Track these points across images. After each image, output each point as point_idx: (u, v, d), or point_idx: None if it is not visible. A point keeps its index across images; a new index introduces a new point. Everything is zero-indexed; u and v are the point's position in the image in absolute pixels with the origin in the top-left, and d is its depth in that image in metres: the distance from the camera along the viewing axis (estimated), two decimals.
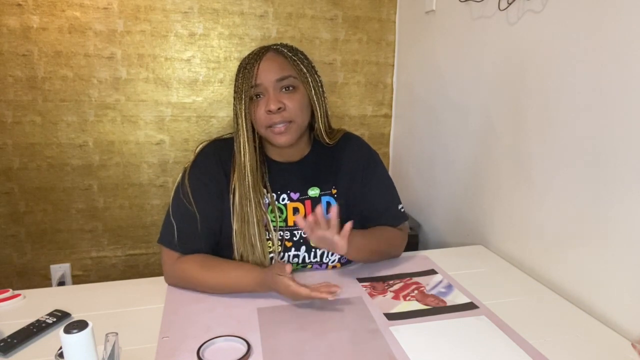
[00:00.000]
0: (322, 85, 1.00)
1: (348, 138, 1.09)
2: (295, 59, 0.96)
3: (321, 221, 0.83)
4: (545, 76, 1.05)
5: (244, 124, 0.94)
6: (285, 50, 0.96)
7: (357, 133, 1.14)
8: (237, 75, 0.96)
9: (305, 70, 0.96)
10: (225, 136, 1.05)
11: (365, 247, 1.01)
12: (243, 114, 0.94)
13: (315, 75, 0.98)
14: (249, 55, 0.96)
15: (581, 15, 0.93)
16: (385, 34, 1.91)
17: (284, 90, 0.93)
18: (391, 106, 2.01)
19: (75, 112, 1.68)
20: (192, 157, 1.02)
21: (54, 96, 1.65)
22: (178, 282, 0.97)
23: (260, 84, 0.92)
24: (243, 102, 0.93)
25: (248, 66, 0.93)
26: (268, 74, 0.92)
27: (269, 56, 0.94)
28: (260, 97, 0.94)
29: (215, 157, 1.00)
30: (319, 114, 1.00)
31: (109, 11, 1.63)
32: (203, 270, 0.94)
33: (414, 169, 1.84)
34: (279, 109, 0.91)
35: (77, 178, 1.74)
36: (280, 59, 0.94)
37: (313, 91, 0.97)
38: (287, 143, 0.95)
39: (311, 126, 1.04)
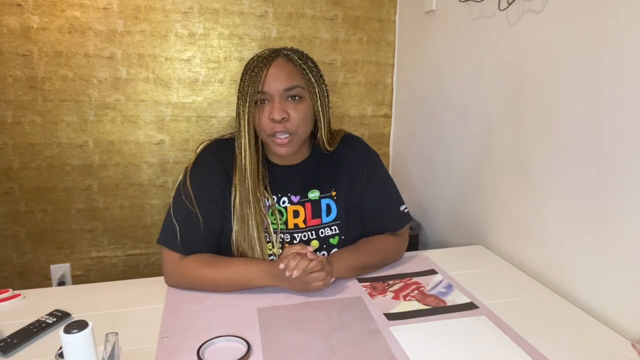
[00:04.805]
0: (327, 95, 0.98)
1: (348, 140, 1.08)
2: (305, 67, 0.94)
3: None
4: (545, 76, 1.05)
5: (246, 127, 0.93)
6: (296, 58, 0.94)
7: (357, 133, 1.14)
8: (243, 76, 0.93)
9: (313, 80, 0.94)
10: (225, 136, 1.04)
11: (356, 265, 1.00)
12: (246, 117, 0.92)
13: (323, 85, 0.97)
14: (257, 57, 0.93)
15: (581, 15, 0.93)
16: (385, 34, 1.91)
17: (290, 99, 0.92)
18: (391, 106, 2.01)
19: (75, 112, 1.68)
20: (192, 157, 1.02)
21: (54, 96, 1.65)
22: (181, 284, 0.96)
23: (266, 92, 0.90)
24: (247, 105, 0.92)
25: (256, 69, 0.91)
26: (276, 82, 0.90)
27: (278, 62, 0.91)
28: (265, 102, 0.92)
29: (216, 158, 1.00)
30: (322, 124, 0.99)
31: (109, 11, 1.63)
32: (209, 268, 0.93)
33: (414, 169, 1.84)
34: (282, 118, 0.90)
35: (77, 178, 1.74)
36: (289, 67, 0.92)
37: (319, 102, 0.96)
38: (287, 154, 0.95)
39: (312, 132, 1.03)
